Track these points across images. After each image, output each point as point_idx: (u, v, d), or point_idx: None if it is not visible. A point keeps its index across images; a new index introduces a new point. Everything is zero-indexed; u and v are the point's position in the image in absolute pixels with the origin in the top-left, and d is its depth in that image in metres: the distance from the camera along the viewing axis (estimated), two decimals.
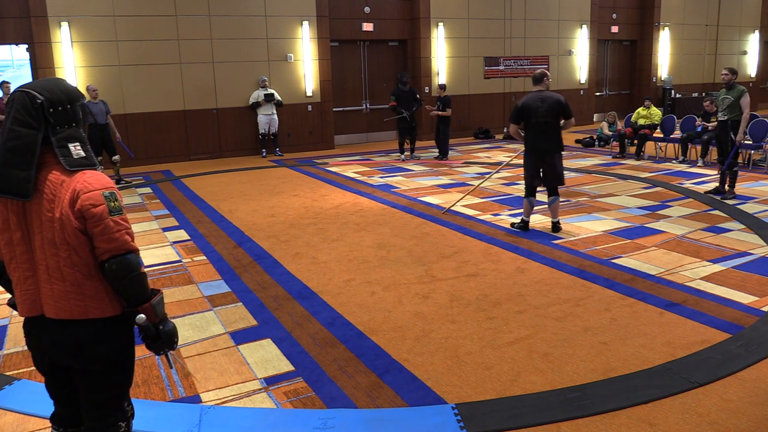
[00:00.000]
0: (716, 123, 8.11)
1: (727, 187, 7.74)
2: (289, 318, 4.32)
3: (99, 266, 2.02)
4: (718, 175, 7.96)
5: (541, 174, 6.24)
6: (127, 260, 2.00)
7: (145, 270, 2.10)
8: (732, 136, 7.52)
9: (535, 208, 7.46)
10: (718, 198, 7.64)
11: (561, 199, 7.85)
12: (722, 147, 7.75)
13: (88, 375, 2.10)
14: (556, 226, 6.30)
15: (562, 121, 6.12)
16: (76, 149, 2.01)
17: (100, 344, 2.05)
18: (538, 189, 6.39)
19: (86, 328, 2.03)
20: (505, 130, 15.56)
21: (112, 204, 1.99)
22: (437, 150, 11.96)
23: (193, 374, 3.54)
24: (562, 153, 6.20)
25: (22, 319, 2.13)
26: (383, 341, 3.89)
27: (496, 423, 2.97)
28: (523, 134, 6.24)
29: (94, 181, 1.99)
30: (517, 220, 6.61)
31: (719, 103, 7.72)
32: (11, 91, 6.44)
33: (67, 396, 2.22)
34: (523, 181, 9.14)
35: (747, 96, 7.50)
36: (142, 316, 2.05)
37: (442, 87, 11.99)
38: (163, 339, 2.11)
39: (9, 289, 2.19)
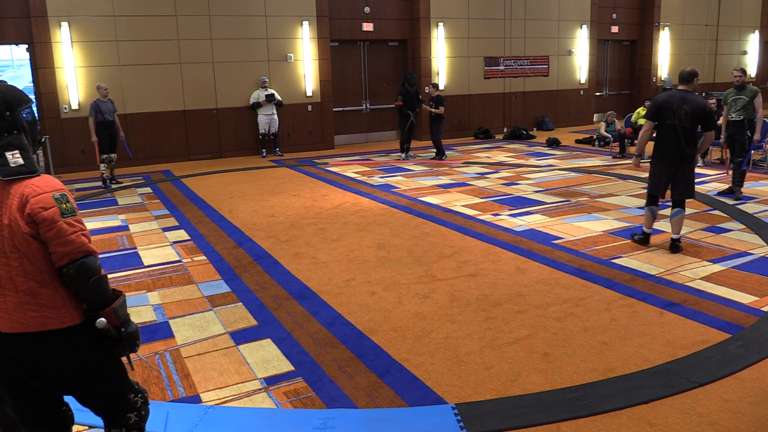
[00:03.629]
0: (720, 123, 8.12)
1: (735, 186, 7.74)
2: (289, 318, 4.32)
3: (56, 273, 1.94)
4: (729, 176, 7.97)
5: (669, 184, 5.55)
6: (86, 264, 1.93)
7: (105, 273, 2.04)
8: (749, 134, 7.56)
9: (536, 208, 7.47)
10: (732, 198, 7.60)
11: (561, 200, 7.86)
12: (735, 147, 7.74)
13: (63, 388, 2.03)
14: (675, 245, 5.51)
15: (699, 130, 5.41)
16: (14, 157, 1.93)
17: (60, 359, 1.96)
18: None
19: (44, 342, 1.93)
20: (505, 130, 15.59)
21: (64, 206, 1.91)
22: (434, 150, 11.98)
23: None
24: (695, 163, 5.64)
25: None
26: (383, 341, 3.89)
27: (496, 423, 2.97)
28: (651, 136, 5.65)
29: (43, 184, 1.93)
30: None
31: (731, 103, 7.66)
32: None
33: (36, 415, 2.09)
34: (523, 182, 9.22)
35: (760, 96, 7.54)
36: (103, 320, 1.98)
37: (435, 86, 12.05)
38: (125, 342, 2.05)
39: None
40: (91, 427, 2.98)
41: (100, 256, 2.37)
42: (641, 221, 6.62)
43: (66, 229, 1.90)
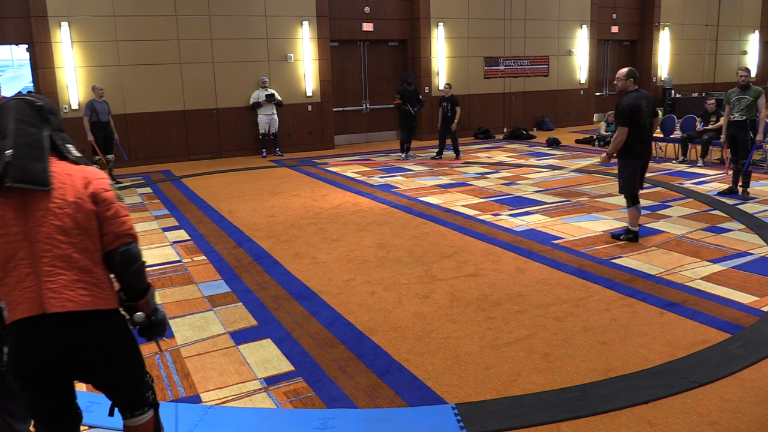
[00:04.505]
0: (720, 123, 8.12)
1: (740, 188, 7.72)
2: (289, 318, 4.32)
3: (104, 257, 2.09)
4: (729, 176, 7.96)
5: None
6: (134, 249, 2.11)
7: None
8: (751, 135, 7.54)
9: (536, 208, 7.47)
10: (735, 198, 7.60)
11: (561, 200, 7.87)
12: (737, 147, 7.71)
13: (99, 371, 2.11)
14: (628, 234, 5.94)
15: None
16: (74, 151, 2.16)
17: (105, 340, 2.06)
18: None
19: (92, 324, 2.03)
20: (505, 130, 15.59)
21: (117, 191, 2.14)
22: (443, 151, 12.07)
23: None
24: None
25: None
26: (383, 341, 3.89)
27: (496, 423, 2.97)
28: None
29: (98, 172, 2.16)
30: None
31: (734, 103, 7.59)
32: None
33: (55, 410, 2.12)
34: (522, 182, 9.22)
35: (764, 96, 7.51)
36: (141, 314, 2.16)
37: (449, 86, 12.06)
38: (156, 328, 2.22)
39: None
40: (91, 426, 2.98)
41: None
42: (641, 221, 6.61)
43: (120, 210, 2.10)
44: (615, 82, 5.95)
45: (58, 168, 2.07)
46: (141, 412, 2.24)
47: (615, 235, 6.03)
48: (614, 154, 5.83)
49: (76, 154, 2.15)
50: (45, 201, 2.00)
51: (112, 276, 2.14)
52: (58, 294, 1.98)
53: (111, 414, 2.27)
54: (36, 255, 1.98)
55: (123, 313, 2.18)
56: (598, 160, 6.02)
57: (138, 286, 2.14)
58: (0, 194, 1.99)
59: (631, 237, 5.89)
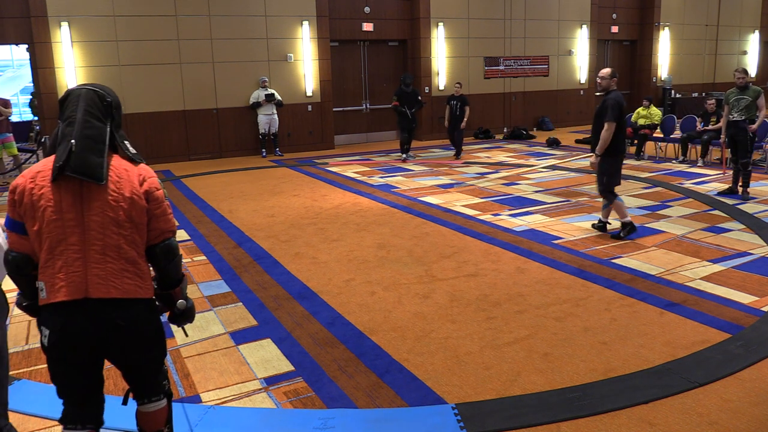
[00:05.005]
0: (720, 123, 8.11)
1: (740, 188, 7.72)
2: (289, 318, 4.32)
3: (146, 251, 2.22)
4: (729, 176, 7.95)
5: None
6: (174, 243, 2.27)
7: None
8: (750, 135, 7.54)
9: (536, 208, 7.48)
10: (735, 198, 7.60)
11: (561, 200, 7.87)
12: (737, 147, 7.70)
13: (134, 353, 2.22)
14: (604, 227, 6.23)
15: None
16: (131, 148, 2.27)
17: (144, 324, 2.20)
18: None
19: (134, 309, 2.15)
20: (505, 130, 15.59)
21: (164, 190, 2.27)
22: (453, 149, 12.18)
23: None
24: None
25: (24, 318, 2.13)
26: (383, 341, 3.89)
27: (496, 423, 2.97)
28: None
29: (151, 170, 2.27)
30: (592, 223, 6.40)
31: (733, 103, 7.59)
32: None
33: (87, 391, 2.23)
34: (522, 182, 9.22)
35: (763, 96, 7.51)
36: (183, 302, 2.35)
37: (459, 85, 12.11)
38: (187, 315, 2.40)
39: (26, 288, 2.20)
40: None
41: None
42: (641, 221, 6.63)
43: (167, 209, 2.25)
44: (599, 81, 6.08)
45: (117, 163, 2.18)
46: (157, 399, 2.36)
47: (615, 235, 6.05)
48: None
49: (133, 151, 2.25)
50: (102, 192, 2.10)
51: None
52: (105, 281, 2.08)
53: (125, 402, 2.37)
54: (87, 242, 2.08)
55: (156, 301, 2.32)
56: (591, 161, 6.02)
57: (175, 276, 2.29)
58: (57, 183, 2.08)
59: (629, 229, 5.97)
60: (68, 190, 2.08)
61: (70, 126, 2.12)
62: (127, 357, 2.23)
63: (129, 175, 2.17)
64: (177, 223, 2.26)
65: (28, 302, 2.21)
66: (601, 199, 6.34)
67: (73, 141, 2.08)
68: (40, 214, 2.07)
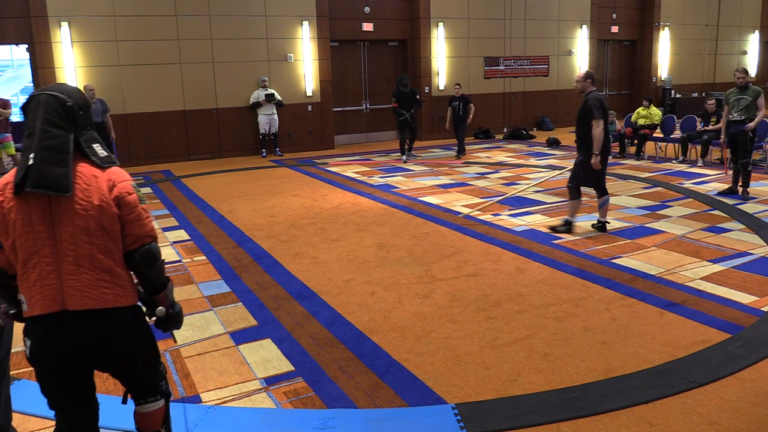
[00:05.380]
0: (719, 123, 8.11)
1: (740, 188, 7.72)
2: (289, 318, 4.32)
3: (124, 257, 2.14)
4: (729, 176, 7.95)
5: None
6: (154, 248, 2.18)
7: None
8: (751, 134, 7.54)
9: (536, 208, 7.48)
10: (738, 199, 7.59)
11: (561, 200, 7.87)
12: (737, 147, 7.70)
13: (119, 362, 2.19)
14: (604, 226, 6.28)
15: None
16: (100, 149, 2.15)
17: (127, 332, 2.14)
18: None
19: (114, 318, 2.10)
20: (505, 130, 15.59)
21: (140, 193, 2.17)
22: (464, 147, 12.30)
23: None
24: None
25: (23, 324, 2.12)
26: (383, 341, 3.89)
27: (496, 423, 2.97)
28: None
29: (123, 174, 2.16)
30: (592, 223, 6.45)
31: (733, 103, 7.58)
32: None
33: (77, 400, 2.19)
34: (521, 182, 9.21)
35: (763, 96, 7.51)
36: (162, 308, 2.26)
37: (459, 86, 12.21)
38: (173, 320, 2.31)
39: (9, 298, 2.17)
40: None
41: None
42: (641, 221, 6.64)
43: (142, 213, 2.14)
44: (575, 84, 6.26)
45: (85, 170, 2.07)
46: (154, 400, 2.34)
47: (552, 228, 6.37)
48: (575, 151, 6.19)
49: (102, 154, 2.14)
50: (70, 203, 2.02)
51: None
52: (81, 292, 2.04)
53: (124, 402, 2.37)
54: (60, 254, 2.03)
55: (141, 306, 2.25)
56: (592, 162, 6.01)
57: (158, 282, 2.21)
58: (24, 196, 2.01)
59: (567, 228, 6.25)
60: (37, 202, 2.01)
61: (29, 137, 2.02)
62: (114, 365, 2.20)
63: (98, 181, 2.07)
64: (153, 228, 2.18)
65: (14, 311, 2.20)
66: (596, 200, 6.33)
67: (32, 154, 1.99)
68: (11, 227, 2.02)
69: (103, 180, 2.08)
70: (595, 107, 5.84)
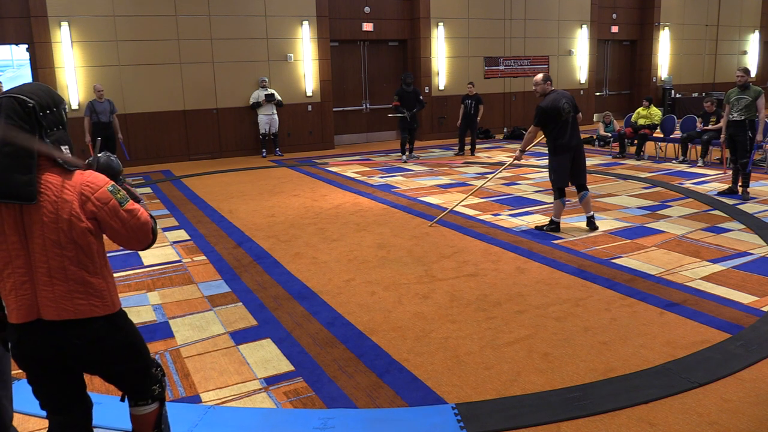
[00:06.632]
0: (719, 123, 8.11)
1: (740, 188, 7.72)
2: (289, 318, 4.32)
3: (105, 263, 2.11)
4: (729, 176, 7.94)
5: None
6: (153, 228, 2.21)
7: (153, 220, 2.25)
8: (750, 134, 7.54)
9: (536, 208, 7.47)
10: (738, 199, 7.59)
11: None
12: (737, 147, 7.70)
13: (102, 367, 2.18)
14: (591, 221, 6.35)
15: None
16: (67, 154, 2.04)
17: (105, 340, 2.10)
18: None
19: (91, 327, 2.06)
20: (505, 130, 15.59)
21: (119, 196, 2.07)
22: (464, 147, 12.52)
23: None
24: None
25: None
26: (383, 341, 3.89)
27: (496, 423, 2.97)
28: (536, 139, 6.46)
29: (96, 180, 2.06)
30: (543, 221, 6.63)
31: (734, 103, 7.59)
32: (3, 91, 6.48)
33: (66, 399, 2.19)
34: (522, 182, 9.22)
35: (763, 96, 7.51)
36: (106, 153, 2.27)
37: (472, 84, 12.46)
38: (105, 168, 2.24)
39: None
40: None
41: None
42: (641, 221, 6.63)
43: (127, 218, 2.08)
44: (534, 88, 6.41)
45: (53, 179, 1.99)
46: (144, 403, 2.32)
47: (539, 227, 6.44)
48: (527, 152, 6.47)
49: (68, 158, 2.03)
50: (40, 215, 1.96)
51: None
52: (55, 303, 2.01)
53: (122, 400, 2.36)
54: (33, 265, 1.99)
55: (124, 313, 2.22)
56: (515, 156, 6.60)
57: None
58: None
59: (553, 228, 6.31)
60: (9, 212, 1.96)
61: None
62: (96, 369, 2.19)
63: (69, 194, 1.98)
64: (147, 218, 2.17)
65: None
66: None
67: None
68: None
69: (74, 192, 1.99)
70: (536, 115, 6.13)
